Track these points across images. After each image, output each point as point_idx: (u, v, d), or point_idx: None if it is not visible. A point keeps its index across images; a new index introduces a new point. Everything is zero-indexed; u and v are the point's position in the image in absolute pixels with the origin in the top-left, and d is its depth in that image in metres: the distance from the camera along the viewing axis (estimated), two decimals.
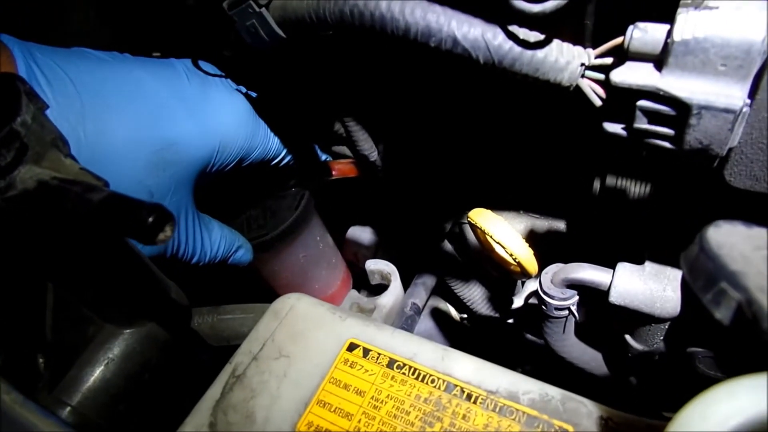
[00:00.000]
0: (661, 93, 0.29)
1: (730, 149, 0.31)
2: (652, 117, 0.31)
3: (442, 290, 0.71)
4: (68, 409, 0.42)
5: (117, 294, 0.43)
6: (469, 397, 0.37)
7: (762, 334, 0.19)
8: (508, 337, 0.67)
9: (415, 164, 0.60)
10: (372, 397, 0.38)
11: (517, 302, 0.61)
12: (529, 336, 0.65)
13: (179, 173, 0.54)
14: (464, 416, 0.36)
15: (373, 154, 0.61)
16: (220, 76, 0.58)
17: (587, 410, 0.35)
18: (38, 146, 0.32)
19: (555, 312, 0.52)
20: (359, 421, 0.37)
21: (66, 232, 0.34)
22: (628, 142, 0.33)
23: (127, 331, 0.45)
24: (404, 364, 0.39)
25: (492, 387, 0.37)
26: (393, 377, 0.39)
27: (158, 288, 0.46)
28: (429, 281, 0.70)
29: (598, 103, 0.33)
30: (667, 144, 0.32)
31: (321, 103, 0.58)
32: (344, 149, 0.65)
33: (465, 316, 0.73)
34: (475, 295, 0.66)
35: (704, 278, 0.22)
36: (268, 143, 0.62)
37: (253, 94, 0.60)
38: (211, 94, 0.56)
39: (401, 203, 0.64)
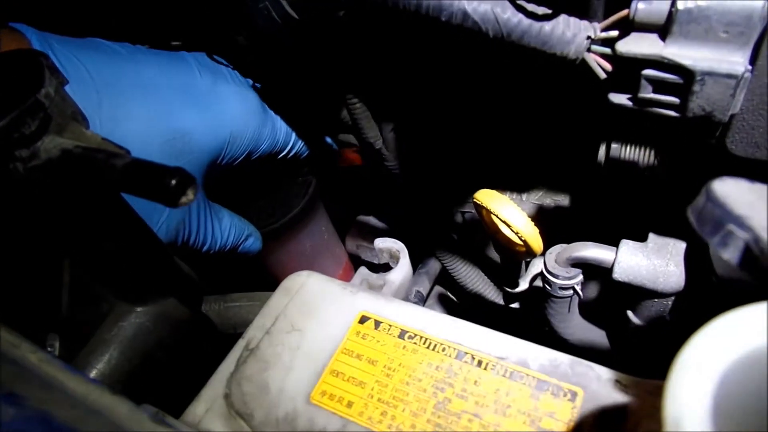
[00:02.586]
0: (666, 61, 0.31)
1: (732, 116, 0.32)
2: (657, 85, 0.32)
3: (445, 280, 0.72)
4: None
5: (131, 272, 0.44)
6: (479, 363, 0.38)
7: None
8: (513, 322, 0.68)
9: (420, 151, 0.61)
10: (384, 366, 0.39)
11: (522, 286, 0.62)
12: (533, 320, 0.66)
13: (190, 163, 0.56)
14: (475, 382, 0.37)
15: (378, 142, 0.62)
16: (229, 67, 0.60)
17: (595, 373, 0.36)
18: (60, 118, 0.33)
19: (559, 292, 0.53)
20: (372, 389, 0.38)
21: (85, 202, 0.35)
22: (633, 112, 0.34)
23: (140, 309, 0.46)
24: (415, 335, 0.40)
25: (502, 354, 0.38)
26: (404, 347, 0.40)
27: (170, 267, 0.47)
28: (433, 270, 0.71)
29: (603, 75, 0.34)
30: (671, 112, 0.33)
31: (328, 90, 0.59)
32: (350, 137, 0.66)
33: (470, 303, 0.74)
34: (478, 281, 0.67)
35: (712, 224, 0.23)
36: (276, 135, 0.63)
37: (260, 86, 0.61)
38: (221, 87, 0.58)
39: (406, 191, 0.65)
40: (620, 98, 0.34)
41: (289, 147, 0.66)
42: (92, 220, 0.38)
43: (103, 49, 0.54)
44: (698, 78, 0.30)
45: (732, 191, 0.24)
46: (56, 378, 0.27)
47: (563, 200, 0.60)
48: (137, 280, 0.45)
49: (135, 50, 0.56)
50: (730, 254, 0.21)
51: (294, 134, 0.65)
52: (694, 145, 0.37)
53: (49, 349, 0.44)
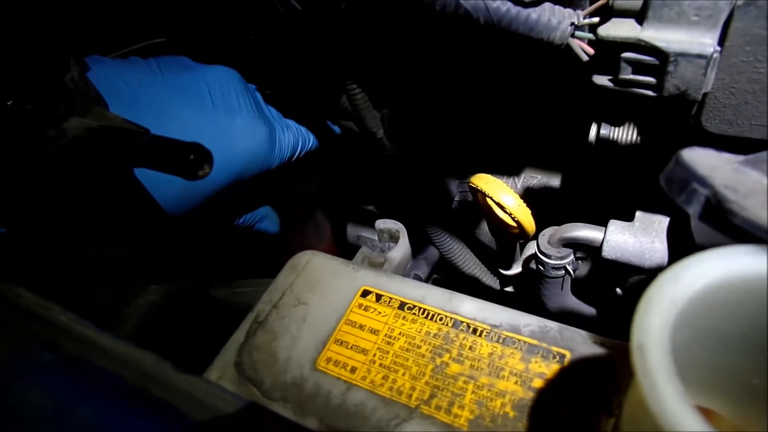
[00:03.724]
0: (642, 44, 0.33)
1: (705, 95, 0.35)
2: (636, 67, 0.35)
3: (442, 268, 0.75)
4: None
5: (145, 250, 0.47)
6: (474, 331, 0.40)
7: (725, 219, 0.23)
8: (507, 304, 0.70)
9: (418, 138, 0.64)
10: (385, 335, 0.41)
11: (515, 269, 0.65)
12: (528, 300, 0.68)
13: (203, 193, 0.56)
14: (470, 347, 0.39)
15: (380, 132, 0.65)
16: (246, 91, 0.61)
17: (582, 337, 0.38)
18: (84, 100, 0.36)
19: (552, 272, 0.56)
20: (374, 355, 0.40)
21: (105, 180, 0.38)
22: (615, 93, 0.37)
23: (154, 286, 0.48)
24: (414, 306, 0.43)
25: (495, 322, 0.41)
26: (404, 317, 0.42)
27: (183, 246, 0.49)
28: (432, 256, 0.73)
29: (585, 58, 0.37)
30: (649, 92, 0.36)
31: (329, 79, 0.61)
32: (350, 124, 0.68)
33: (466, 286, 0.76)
34: (473, 265, 0.70)
35: (678, 184, 0.26)
36: (284, 153, 0.64)
37: (267, 93, 0.64)
38: (237, 122, 0.58)
39: (405, 178, 0.68)
40: (602, 80, 0.37)
41: (297, 152, 0.67)
42: (111, 198, 0.40)
43: (117, 76, 0.51)
44: (672, 59, 0.33)
45: (698, 157, 0.27)
46: (86, 334, 0.30)
47: (555, 183, 0.63)
48: (151, 258, 0.47)
49: (149, 75, 0.54)
50: (693, 209, 0.24)
51: (301, 138, 0.66)
52: (673, 123, 0.40)
53: None
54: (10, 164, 0.33)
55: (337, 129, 0.71)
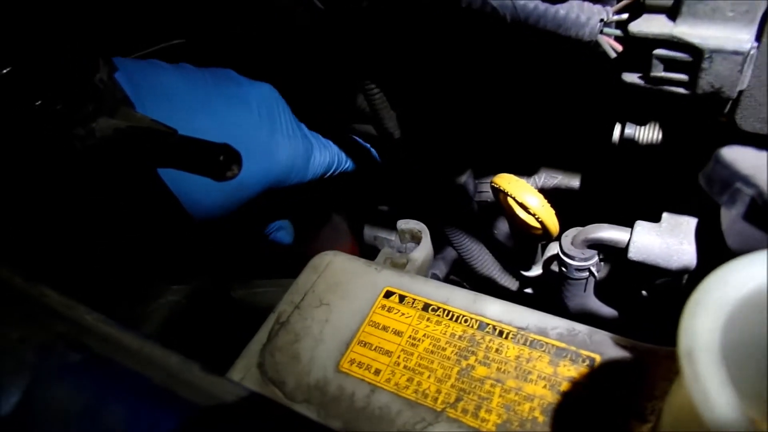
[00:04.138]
0: (676, 40, 0.33)
1: (741, 92, 0.34)
2: (668, 64, 0.34)
3: (460, 270, 0.74)
4: None
5: (167, 252, 0.47)
6: (500, 333, 0.40)
7: None
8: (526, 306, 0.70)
9: (438, 138, 0.63)
10: (410, 336, 0.41)
11: (536, 270, 0.64)
12: (550, 302, 0.67)
13: (241, 201, 0.59)
14: (497, 350, 0.39)
15: (397, 132, 0.64)
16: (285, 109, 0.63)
17: (611, 341, 0.37)
18: (112, 101, 0.36)
19: (576, 273, 0.55)
20: (398, 357, 0.40)
21: (131, 181, 0.38)
22: (645, 91, 0.36)
23: (176, 287, 0.48)
24: (438, 307, 0.42)
25: (522, 324, 0.40)
26: (428, 319, 0.42)
27: (203, 248, 0.49)
28: (449, 256, 0.73)
29: (614, 55, 0.36)
30: (681, 90, 0.35)
31: (347, 80, 0.61)
32: (368, 128, 0.68)
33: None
34: (492, 266, 0.69)
35: (720, 184, 0.25)
36: (318, 171, 0.67)
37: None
38: (277, 137, 0.60)
39: (423, 179, 0.67)
40: (632, 77, 0.36)
41: (330, 171, 0.69)
42: (135, 198, 0.40)
43: (175, 87, 0.54)
44: (707, 56, 0.32)
45: (738, 156, 0.26)
46: (112, 334, 0.30)
47: (576, 183, 0.62)
48: (173, 260, 0.47)
49: (203, 86, 0.56)
50: (737, 209, 0.23)
51: (337, 159, 0.68)
52: (705, 122, 0.39)
53: None
54: (39, 163, 0.33)
55: (374, 152, 0.71)
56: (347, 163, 0.70)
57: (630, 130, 0.43)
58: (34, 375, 0.25)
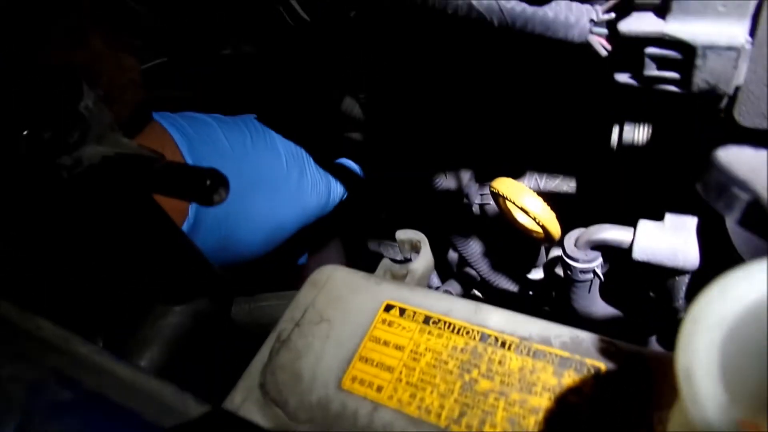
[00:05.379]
0: (667, 38, 0.32)
1: (737, 88, 0.33)
2: (660, 62, 0.33)
3: (463, 275, 0.73)
4: None
5: (168, 273, 0.46)
6: (503, 344, 0.39)
7: None
8: (530, 310, 0.69)
9: (436, 143, 0.63)
10: (411, 351, 0.40)
11: (538, 273, 0.63)
12: (554, 306, 0.66)
13: (281, 239, 0.69)
14: (500, 362, 0.38)
15: (391, 136, 0.64)
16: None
17: (617, 348, 0.36)
18: (99, 128, 0.35)
19: (580, 275, 0.54)
20: (400, 373, 0.39)
21: (124, 206, 0.38)
22: (639, 91, 0.35)
23: (178, 308, 0.48)
24: (439, 320, 0.41)
25: (524, 334, 0.39)
26: (430, 332, 0.41)
27: (204, 267, 0.49)
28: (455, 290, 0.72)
29: (604, 53, 0.35)
30: (676, 88, 0.34)
31: (338, 90, 0.62)
32: (358, 135, 0.68)
33: (489, 295, 0.75)
34: (493, 270, 0.68)
35: (716, 189, 0.24)
36: (337, 199, 0.74)
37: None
38: (304, 181, 0.67)
39: (421, 185, 0.67)
40: (624, 77, 0.35)
41: (345, 196, 0.76)
42: (130, 223, 0.40)
43: (219, 145, 0.59)
44: (700, 52, 0.31)
45: (735, 158, 0.25)
46: (106, 366, 0.29)
47: (574, 184, 0.61)
48: (174, 280, 0.47)
49: (241, 139, 0.62)
50: (733, 215, 0.22)
51: (337, 185, 0.74)
52: (702, 119, 0.38)
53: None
54: (28, 194, 0.33)
55: (357, 169, 0.75)
56: (342, 189, 0.76)
57: (627, 130, 0.42)
58: (25, 414, 0.25)
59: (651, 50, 0.33)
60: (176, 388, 0.28)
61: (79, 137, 0.33)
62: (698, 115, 0.37)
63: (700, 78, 0.32)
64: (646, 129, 0.43)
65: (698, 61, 0.32)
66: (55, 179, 0.33)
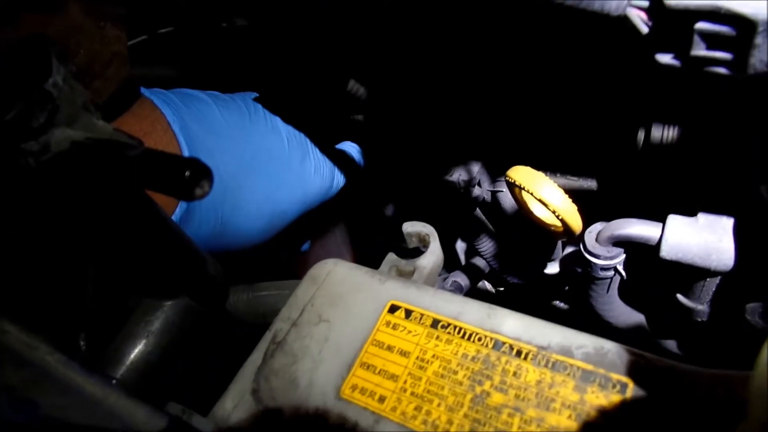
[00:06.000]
0: (722, 11, 0.27)
1: None
2: (711, 41, 0.29)
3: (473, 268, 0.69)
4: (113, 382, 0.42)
5: (155, 267, 0.43)
6: (519, 353, 0.35)
7: None
8: (545, 308, 0.65)
9: (450, 131, 0.59)
10: (417, 358, 0.37)
11: (553, 268, 0.59)
12: (560, 304, 0.63)
13: (281, 226, 0.64)
14: (515, 373, 0.34)
15: (401, 127, 0.60)
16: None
17: (647, 362, 0.33)
18: (70, 109, 0.31)
19: (600, 273, 0.50)
20: (405, 382, 0.36)
21: (104, 195, 0.34)
22: (682, 74, 0.31)
23: (167, 303, 0.45)
24: (449, 324, 0.38)
25: (543, 343, 0.35)
26: (438, 337, 0.37)
27: (196, 260, 0.46)
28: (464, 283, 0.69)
29: (645, 30, 0.31)
30: (727, 71, 0.30)
31: (344, 77, 0.57)
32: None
33: (500, 288, 0.71)
34: (504, 263, 0.65)
35: None
36: (341, 183, 0.70)
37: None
38: (306, 164, 0.63)
39: (431, 176, 0.63)
40: (668, 58, 0.31)
41: (344, 184, 0.71)
42: (112, 214, 0.36)
43: (214, 116, 0.55)
44: (761, 29, 0.27)
45: None
46: (74, 381, 0.26)
47: (599, 178, 0.57)
48: (163, 275, 0.44)
49: (239, 119, 0.58)
50: None
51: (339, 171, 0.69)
52: (751, 108, 0.33)
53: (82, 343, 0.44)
54: None
55: (357, 158, 0.71)
56: (342, 177, 0.72)
57: (656, 126, 0.38)
58: None
59: (701, 25, 0.28)
60: (149, 409, 0.24)
61: (46, 119, 0.30)
62: (749, 102, 0.32)
63: (758, 59, 0.28)
64: (674, 124, 0.38)
65: (758, 40, 0.27)
66: (21, 167, 0.29)
